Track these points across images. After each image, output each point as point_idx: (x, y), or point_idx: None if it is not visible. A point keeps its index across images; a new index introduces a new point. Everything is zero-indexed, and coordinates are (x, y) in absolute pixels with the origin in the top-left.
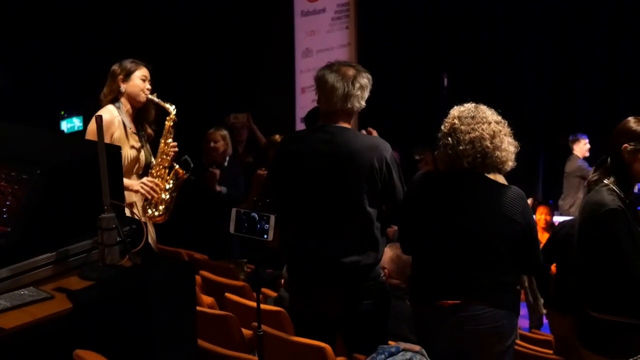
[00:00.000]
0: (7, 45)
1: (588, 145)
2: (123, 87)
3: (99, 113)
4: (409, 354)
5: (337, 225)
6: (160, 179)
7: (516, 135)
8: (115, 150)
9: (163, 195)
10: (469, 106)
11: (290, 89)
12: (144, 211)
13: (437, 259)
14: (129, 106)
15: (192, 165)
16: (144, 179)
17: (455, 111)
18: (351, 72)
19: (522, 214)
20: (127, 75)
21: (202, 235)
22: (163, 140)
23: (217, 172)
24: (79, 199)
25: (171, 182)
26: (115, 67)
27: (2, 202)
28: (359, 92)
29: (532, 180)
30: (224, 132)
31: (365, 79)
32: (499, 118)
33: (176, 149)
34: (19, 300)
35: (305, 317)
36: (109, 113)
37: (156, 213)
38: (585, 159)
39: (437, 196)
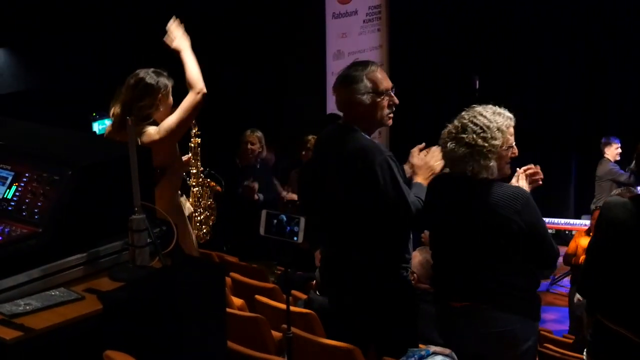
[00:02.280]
0: (40, 46)
1: (619, 150)
2: (161, 107)
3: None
4: (439, 357)
5: (344, 226)
6: (201, 199)
7: (547, 139)
8: (145, 152)
9: (206, 214)
10: (478, 109)
11: (321, 91)
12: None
13: (447, 260)
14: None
15: (219, 178)
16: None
17: (463, 115)
18: (351, 70)
19: (520, 213)
20: (167, 94)
21: (237, 238)
22: (194, 160)
23: (256, 185)
24: (110, 200)
25: (209, 199)
26: (150, 80)
27: (33, 203)
28: (350, 92)
29: (564, 183)
30: (260, 134)
31: (360, 83)
32: (506, 122)
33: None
34: (50, 300)
35: (334, 319)
36: None
37: (204, 231)
38: (616, 162)
39: (444, 198)
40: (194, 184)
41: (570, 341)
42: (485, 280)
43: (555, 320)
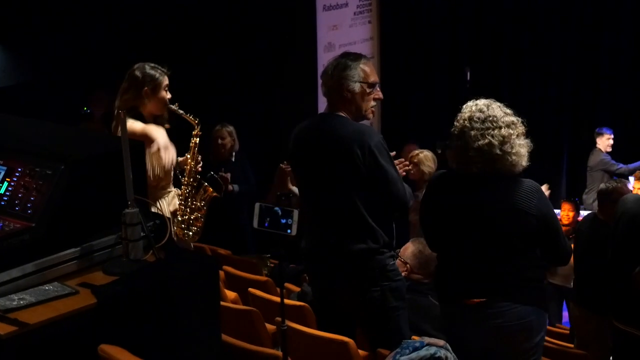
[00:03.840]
0: (31, 41)
1: (611, 141)
2: (147, 101)
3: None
4: (433, 349)
5: (332, 214)
6: (190, 199)
7: (539, 130)
8: (138, 146)
9: (194, 215)
10: (482, 105)
11: (312, 83)
12: (177, 234)
13: (459, 258)
14: (149, 116)
15: (221, 184)
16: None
17: (467, 111)
18: (340, 59)
19: (538, 207)
20: (154, 88)
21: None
22: (191, 158)
23: (228, 175)
24: (103, 194)
25: (201, 201)
26: (137, 73)
27: (26, 197)
28: (336, 79)
29: (556, 174)
30: (230, 128)
31: (348, 70)
32: (512, 119)
33: (201, 164)
34: (44, 295)
35: (323, 310)
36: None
37: (190, 234)
38: (607, 153)
39: (453, 196)
40: (184, 182)
41: (567, 332)
42: (502, 275)
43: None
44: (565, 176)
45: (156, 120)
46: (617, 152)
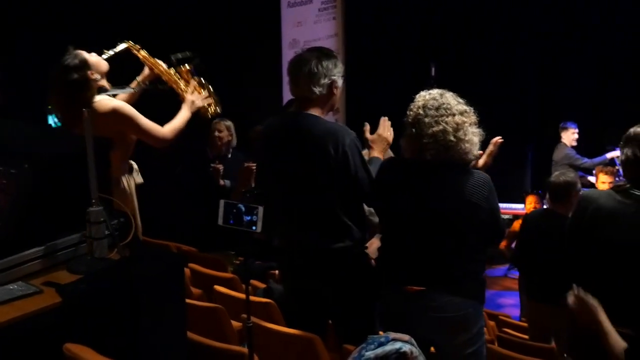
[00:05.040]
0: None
1: (576, 135)
2: (97, 75)
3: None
4: (398, 344)
5: (306, 213)
6: (188, 85)
7: (504, 125)
8: (103, 143)
9: (204, 94)
10: (435, 94)
11: (277, 80)
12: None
13: (404, 244)
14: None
15: (188, 53)
16: (190, 95)
17: (420, 100)
18: (309, 57)
19: (488, 199)
20: (96, 65)
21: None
22: (153, 66)
23: (220, 167)
24: (67, 193)
25: (192, 82)
26: (72, 73)
27: None
28: (308, 78)
29: (521, 168)
30: (229, 123)
31: (319, 66)
32: (465, 107)
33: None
34: (8, 294)
35: (295, 308)
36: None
37: (218, 109)
38: (572, 147)
39: (403, 183)
40: (173, 85)
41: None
42: (444, 266)
43: (513, 305)
44: (530, 170)
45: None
46: (582, 146)
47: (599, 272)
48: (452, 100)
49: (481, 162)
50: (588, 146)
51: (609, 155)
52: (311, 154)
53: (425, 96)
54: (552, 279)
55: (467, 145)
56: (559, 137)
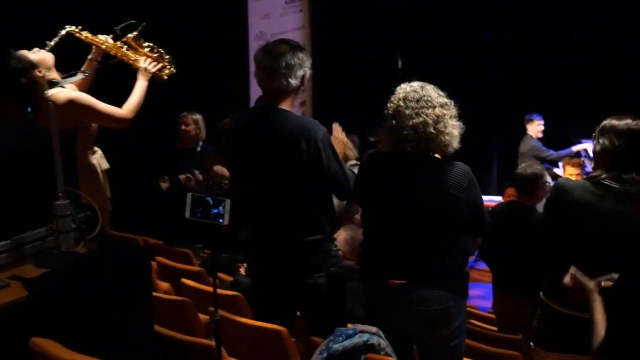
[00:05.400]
0: None
1: (542, 127)
2: (44, 71)
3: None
4: (366, 336)
5: (277, 207)
6: (138, 53)
7: (471, 117)
8: (69, 137)
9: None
10: (416, 86)
11: (244, 72)
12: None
13: (385, 238)
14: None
15: (133, 24)
16: (143, 61)
17: (401, 92)
18: (280, 49)
19: (468, 191)
20: (42, 61)
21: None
22: (99, 44)
23: (191, 179)
24: (34, 187)
25: (141, 50)
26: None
27: None
28: (284, 70)
29: (487, 160)
30: (197, 116)
31: (295, 58)
32: (445, 100)
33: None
34: None
35: (263, 301)
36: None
37: (173, 69)
38: (538, 139)
39: (384, 176)
40: (123, 58)
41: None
42: (426, 259)
43: (479, 296)
44: (496, 162)
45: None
46: (547, 138)
47: (573, 262)
48: (432, 92)
49: None
50: (554, 139)
51: (575, 148)
52: (284, 149)
53: (406, 88)
54: (519, 271)
55: (447, 137)
56: (525, 129)
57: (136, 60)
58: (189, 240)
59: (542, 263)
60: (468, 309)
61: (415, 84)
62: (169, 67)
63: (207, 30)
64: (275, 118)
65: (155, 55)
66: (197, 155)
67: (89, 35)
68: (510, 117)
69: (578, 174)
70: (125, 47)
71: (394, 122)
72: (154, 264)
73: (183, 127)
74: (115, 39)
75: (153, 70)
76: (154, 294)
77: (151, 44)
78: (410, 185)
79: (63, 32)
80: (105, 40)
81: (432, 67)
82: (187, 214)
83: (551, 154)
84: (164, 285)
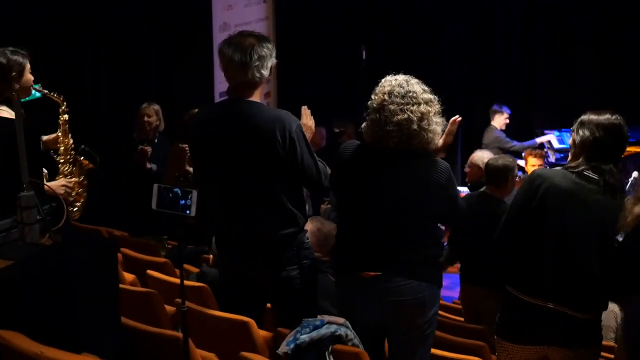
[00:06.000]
0: None
1: (508, 120)
2: (17, 86)
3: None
4: (333, 327)
5: (250, 200)
6: (71, 177)
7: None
8: (33, 129)
9: (75, 192)
10: (401, 80)
11: (208, 64)
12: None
13: (362, 230)
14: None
15: (94, 155)
16: (63, 181)
17: (387, 85)
18: (249, 42)
19: (446, 187)
20: (21, 72)
21: (127, 212)
22: (62, 136)
23: (149, 149)
24: None
25: (81, 176)
26: (2, 59)
27: None
28: (257, 63)
29: (451, 151)
30: (157, 107)
31: (265, 49)
32: (430, 96)
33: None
34: None
35: (233, 293)
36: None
37: (75, 210)
38: (501, 131)
39: (365, 170)
40: (62, 161)
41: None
42: (401, 251)
43: (445, 287)
44: (460, 154)
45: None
46: (510, 130)
47: (547, 253)
48: (418, 87)
49: (441, 141)
50: (516, 130)
51: (539, 139)
52: (258, 141)
53: (392, 82)
54: (485, 262)
55: (429, 135)
56: (490, 120)
57: (63, 173)
58: (154, 232)
59: (507, 254)
60: None
61: (401, 78)
62: (76, 205)
63: (171, 21)
64: (248, 110)
65: (75, 186)
66: (154, 146)
67: (65, 122)
68: (474, 108)
69: (540, 165)
70: (72, 157)
71: (377, 116)
72: (119, 255)
73: (145, 118)
74: (74, 149)
75: (60, 192)
76: (120, 285)
77: (84, 181)
78: (390, 181)
79: (60, 100)
80: (67, 138)
81: (395, 58)
82: (154, 206)
83: (515, 145)
84: (130, 277)
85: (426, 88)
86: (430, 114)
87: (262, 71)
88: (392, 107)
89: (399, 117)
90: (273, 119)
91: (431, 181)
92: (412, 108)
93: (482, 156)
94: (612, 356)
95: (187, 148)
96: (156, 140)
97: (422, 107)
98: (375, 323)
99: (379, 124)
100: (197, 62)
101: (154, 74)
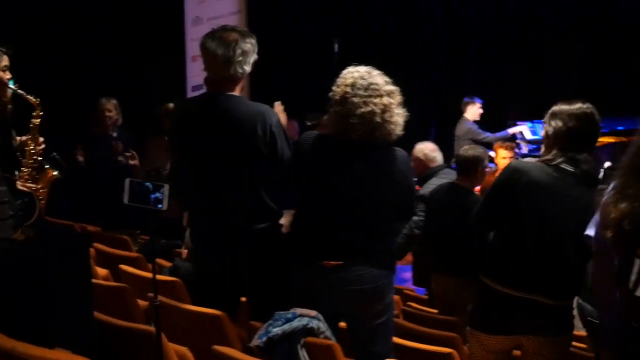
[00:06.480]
0: None
1: (481, 110)
2: None
3: None
4: (305, 319)
5: (226, 191)
6: (31, 182)
7: (408, 101)
8: (7, 125)
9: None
10: (363, 72)
11: (180, 58)
12: None
13: (322, 220)
14: None
15: (62, 163)
16: (18, 184)
17: (348, 77)
18: (232, 37)
19: (406, 177)
20: None
21: (96, 206)
22: (30, 140)
23: (119, 145)
24: None
25: (41, 184)
26: None
27: None
28: (241, 58)
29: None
30: (115, 101)
31: (248, 44)
32: (392, 87)
33: (43, 146)
34: None
35: (208, 288)
36: None
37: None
38: (474, 122)
39: (326, 161)
40: (25, 164)
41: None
42: (363, 241)
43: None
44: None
45: None
46: (482, 121)
47: (525, 244)
48: (380, 79)
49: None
50: (489, 122)
51: (511, 130)
52: (238, 135)
53: (354, 73)
54: (456, 252)
55: (392, 126)
56: (462, 111)
57: (25, 177)
58: (126, 226)
59: (480, 244)
60: (406, 291)
61: (363, 70)
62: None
63: (143, 15)
64: (228, 104)
65: (32, 184)
66: (113, 139)
67: (36, 126)
68: (446, 100)
69: (511, 157)
70: (36, 163)
71: (340, 107)
72: (91, 250)
73: (106, 112)
74: (43, 156)
75: (20, 186)
76: (93, 280)
77: (44, 189)
78: (352, 172)
79: (36, 102)
80: (35, 143)
81: (367, 51)
82: (126, 200)
83: (487, 136)
84: (103, 271)
85: (388, 79)
86: (393, 106)
87: (245, 67)
88: (355, 99)
89: (362, 110)
90: (255, 113)
91: (394, 172)
92: (374, 100)
93: (422, 148)
94: (584, 345)
95: (161, 141)
96: (115, 134)
97: (385, 99)
98: (333, 311)
99: (342, 116)
100: (169, 55)
101: (125, 67)
